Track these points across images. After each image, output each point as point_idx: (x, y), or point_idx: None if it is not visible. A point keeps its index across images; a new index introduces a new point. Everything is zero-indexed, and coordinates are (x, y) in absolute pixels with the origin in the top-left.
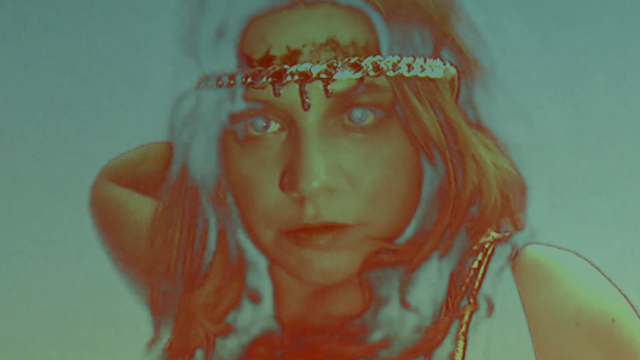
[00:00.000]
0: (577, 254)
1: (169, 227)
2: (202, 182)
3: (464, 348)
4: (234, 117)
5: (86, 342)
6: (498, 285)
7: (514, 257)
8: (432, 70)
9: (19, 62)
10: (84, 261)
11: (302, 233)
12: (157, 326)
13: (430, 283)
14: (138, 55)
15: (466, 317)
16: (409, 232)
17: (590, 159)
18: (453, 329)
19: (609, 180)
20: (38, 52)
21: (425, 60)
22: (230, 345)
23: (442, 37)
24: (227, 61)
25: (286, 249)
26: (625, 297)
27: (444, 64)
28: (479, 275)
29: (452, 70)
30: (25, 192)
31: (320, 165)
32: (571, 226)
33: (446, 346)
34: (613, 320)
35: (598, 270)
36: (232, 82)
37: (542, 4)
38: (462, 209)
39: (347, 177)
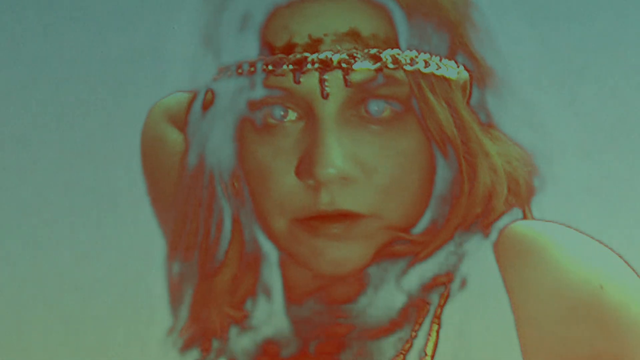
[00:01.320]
0: (568, 226)
1: (186, 216)
2: (218, 171)
3: (438, 331)
4: (252, 105)
5: (103, 331)
6: (477, 265)
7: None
8: (447, 70)
9: (22, 62)
10: (101, 251)
11: (316, 221)
12: (175, 314)
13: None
14: (158, 50)
15: (442, 300)
16: (420, 226)
17: (600, 162)
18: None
19: (618, 182)
20: (54, 50)
21: (441, 59)
22: (242, 342)
23: (458, 40)
24: (247, 51)
25: (298, 238)
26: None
27: (458, 66)
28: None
29: (465, 74)
30: (46, 191)
31: (337, 153)
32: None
33: (425, 329)
34: (601, 287)
35: (592, 238)
36: (252, 69)
37: (545, 4)
38: (474, 208)
39: (362, 167)
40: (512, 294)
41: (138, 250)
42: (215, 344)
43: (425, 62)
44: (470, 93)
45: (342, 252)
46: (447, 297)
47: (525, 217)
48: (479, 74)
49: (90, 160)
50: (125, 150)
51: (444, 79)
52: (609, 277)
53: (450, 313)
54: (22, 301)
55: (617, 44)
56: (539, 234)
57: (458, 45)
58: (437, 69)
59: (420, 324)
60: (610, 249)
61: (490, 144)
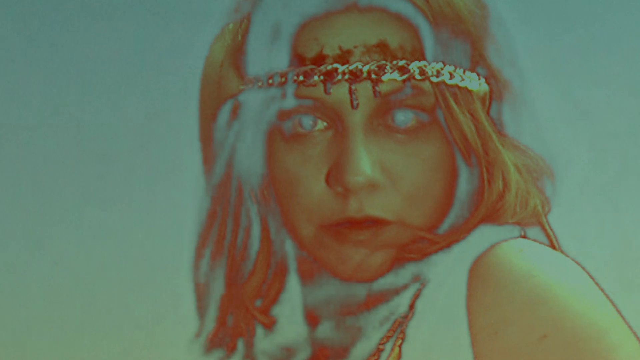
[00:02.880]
0: (564, 254)
1: (214, 222)
2: (247, 180)
3: (400, 345)
4: (282, 115)
5: (132, 335)
6: (447, 277)
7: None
8: (470, 82)
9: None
10: (129, 256)
11: (344, 228)
12: (202, 317)
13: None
14: (185, 59)
15: (410, 314)
16: (440, 231)
17: (612, 170)
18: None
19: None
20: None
21: (464, 72)
22: (263, 346)
23: (479, 53)
24: (277, 62)
25: (325, 244)
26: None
27: (479, 78)
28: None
29: (485, 86)
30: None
31: (366, 162)
32: (588, 238)
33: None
34: (544, 336)
35: (585, 273)
36: (283, 80)
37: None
38: (488, 213)
39: (389, 175)
40: (470, 321)
41: (166, 254)
42: (240, 345)
43: (450, 74)
44: (490, 105)
45: (367, 259)
46: (413, 311)
47: (525, 234)
48: (497, 87)
49: (114, 164)
50: (147, 154)
51: (467, 90)
52: (559, 326)
53: (416, 328)
54: (36, 305)
55: (624, 48)
56: (504, 264)
57: (478, 58)
58: (461, 81)
59: (389, 338)
60: (599, 285)
61: (508, 154)
